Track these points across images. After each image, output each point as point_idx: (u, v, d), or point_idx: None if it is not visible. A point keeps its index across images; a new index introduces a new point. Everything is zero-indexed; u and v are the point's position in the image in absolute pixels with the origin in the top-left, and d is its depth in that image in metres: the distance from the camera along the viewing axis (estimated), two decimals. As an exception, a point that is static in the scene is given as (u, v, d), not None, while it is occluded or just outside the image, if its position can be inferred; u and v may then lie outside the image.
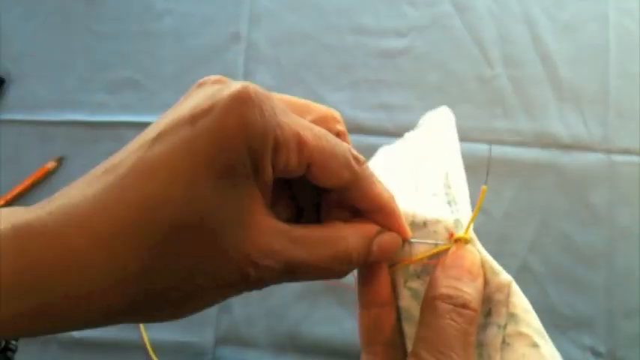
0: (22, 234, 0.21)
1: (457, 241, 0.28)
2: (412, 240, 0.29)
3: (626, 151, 0.69)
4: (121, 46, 0.79)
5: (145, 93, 0.77)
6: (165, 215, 0.22)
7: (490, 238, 0.67)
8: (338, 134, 0.29)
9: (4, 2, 0.81)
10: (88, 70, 0.78)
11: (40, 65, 0.79)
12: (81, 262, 0.21)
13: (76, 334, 0.67)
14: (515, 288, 0.28)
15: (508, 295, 0.28)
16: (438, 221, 0.29)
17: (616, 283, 0.65)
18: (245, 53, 0.77)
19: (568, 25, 0.74)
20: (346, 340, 0.65)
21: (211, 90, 0.24)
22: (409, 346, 0.30)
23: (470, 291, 0.27)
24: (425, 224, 0.30)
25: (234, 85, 0.23)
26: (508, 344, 0.28)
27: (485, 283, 0.28)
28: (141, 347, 0.66)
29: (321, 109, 0.29)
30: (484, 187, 0.28)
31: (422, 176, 0.33)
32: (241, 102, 0.23)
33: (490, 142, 0.70)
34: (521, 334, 0.27)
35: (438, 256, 0.29)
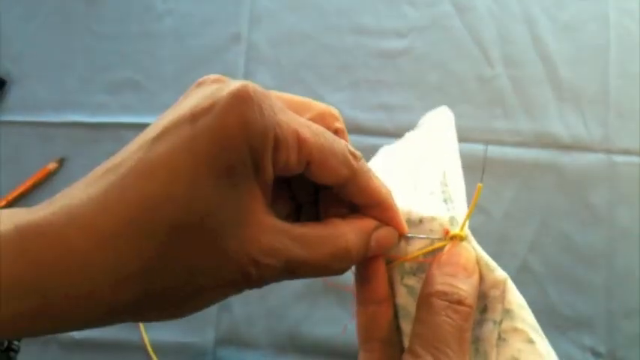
0: (24, 234, 0.21)
1: (453, 238, 0.29)
2: (409, 235, 0.30)
3: (626, 152, 0.69)
4: (121, 47, 0.79)
5: (145, 94, 0.77)
6: (166, 215, 0.22)
7: (490, 238, 0.67)
8: (336, 131, 0.29)
9: (5, 3, 0.82)
10: (89, 71, 0.79)
11: (40, 66, 0.79)
12: (82, 261, 0.21)
13: (76, 334, 0.67)
14: (511, 284, 0.28)
15: (503, 292, 0.28)
16: (433, 218, 0.29)
17: (616, 283, 0.65)
18: (245, 54, 0.77)
19: (568, 25, 0.74)
20: (346, 341, 0.65)
21: (211, 89, 0.24)
22: (406, 343, 0.30)
23: (465, 288, 0.27)
24: (421, 221, 0.30)
25: (234, 84, 0.23)
26: (504, 340, 0.28)
27: (481, 279, 0.28)
28: (141, 348, 0.66)
29: (319, 106, 0.29)
30: (480, 184, 0.28)
31: (421, 176, 0.33)
32: (241, 101, 0.23)
33: (490, 142, 0.70)
34: (516, 330, 0.27)
35: (433, 254, 0.29)
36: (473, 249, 0.28)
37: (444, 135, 0.35)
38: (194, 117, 0.23)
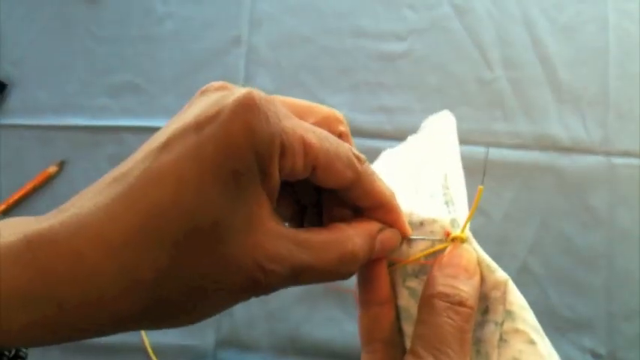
0: (33, 244, 0.21)
1: (454, 240, 0.29)
2: (411, 237, 0.30)
3: (626, 154, 0.69)
4: (121, 50, 0.79)
5: (145, 97, 0.77)
6: (174, 223, 0.22)
7: (490, 239, 0.67)
8: (340, 135, 0.29)
9: (5, 6, 0.82)
10: (89, 74, 0.79)
11: (41, 69, 0.79)
12: (92, 271, 0.21)
13: (77, 336, 0.67)
14: (512, 286, 0.28)
15: (505, 293, 0.28)
16: (434, 221, 0.29)
17: (616, 284, 0.65)
18: (245, 56, 0.77)
19: (567, 26, 0.74)
20: (346, 343, 0.65)
21: (215, 97, 0.24)
22: (408, 344, 0.30)
23: (466, 289, 0.27)
24: (422, 224, 0.30)
25: (239, 92, 0.23)
26: (505, 341, 0.28)
27: (482, 281, 0.28)
28: (142, 350, 0.66)
29: (323, 110, 0.29)
30: (481, 186, 0.28)
31: (422, 179, 0.33)
32: (247, 108, 0.23)
33: (489, 145, 0.70)
34: (517, 331, 0.27)
35: (435, 256, 0.29)
36: (474, 250, 0.29)
37: (446, 138, 0.35)
38: (199, 125, 0.23)
